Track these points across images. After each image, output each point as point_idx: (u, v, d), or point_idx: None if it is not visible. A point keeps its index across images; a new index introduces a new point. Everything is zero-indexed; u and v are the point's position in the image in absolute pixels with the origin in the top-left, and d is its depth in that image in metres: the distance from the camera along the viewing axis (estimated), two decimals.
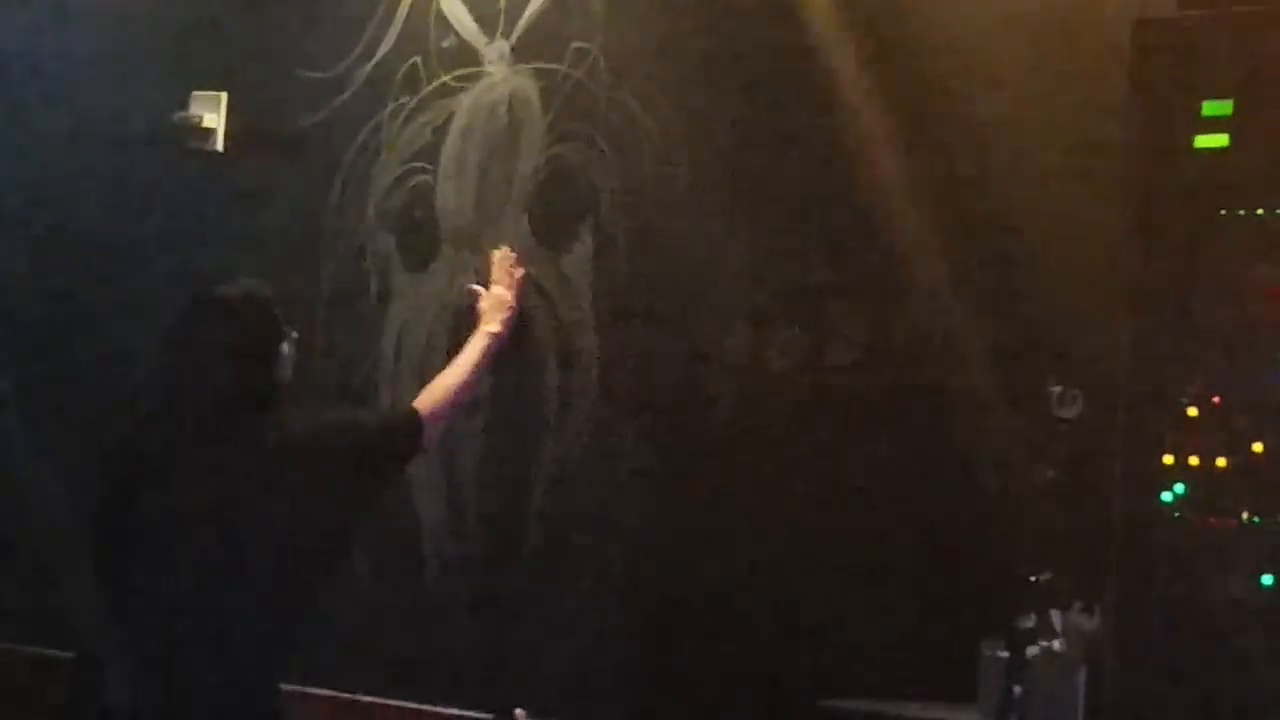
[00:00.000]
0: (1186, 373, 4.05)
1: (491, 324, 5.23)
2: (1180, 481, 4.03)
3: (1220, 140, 4.06)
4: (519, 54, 5.89)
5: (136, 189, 6.58)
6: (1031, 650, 4.29)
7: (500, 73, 5.92)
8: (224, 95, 6.46)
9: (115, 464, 4.62)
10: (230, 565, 4.38)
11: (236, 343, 4.52)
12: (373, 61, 6.16)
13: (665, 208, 5.55)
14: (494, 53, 5.94)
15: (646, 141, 5.59)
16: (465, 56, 6.00)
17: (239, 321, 4.55)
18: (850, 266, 5.24)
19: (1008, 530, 4.76)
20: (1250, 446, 3.98)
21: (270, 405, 4.52)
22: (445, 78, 6.03)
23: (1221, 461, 4.00)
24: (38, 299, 6.74)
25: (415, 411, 4.79)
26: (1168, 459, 4.04)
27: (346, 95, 6.20)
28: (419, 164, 6.05)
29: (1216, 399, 4.02)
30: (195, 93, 6.48)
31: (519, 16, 5.89)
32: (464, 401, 5.20)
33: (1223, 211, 4.05)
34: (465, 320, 5.72)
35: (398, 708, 5.78)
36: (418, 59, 6.08)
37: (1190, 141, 4.08)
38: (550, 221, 5.78)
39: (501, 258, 5.51)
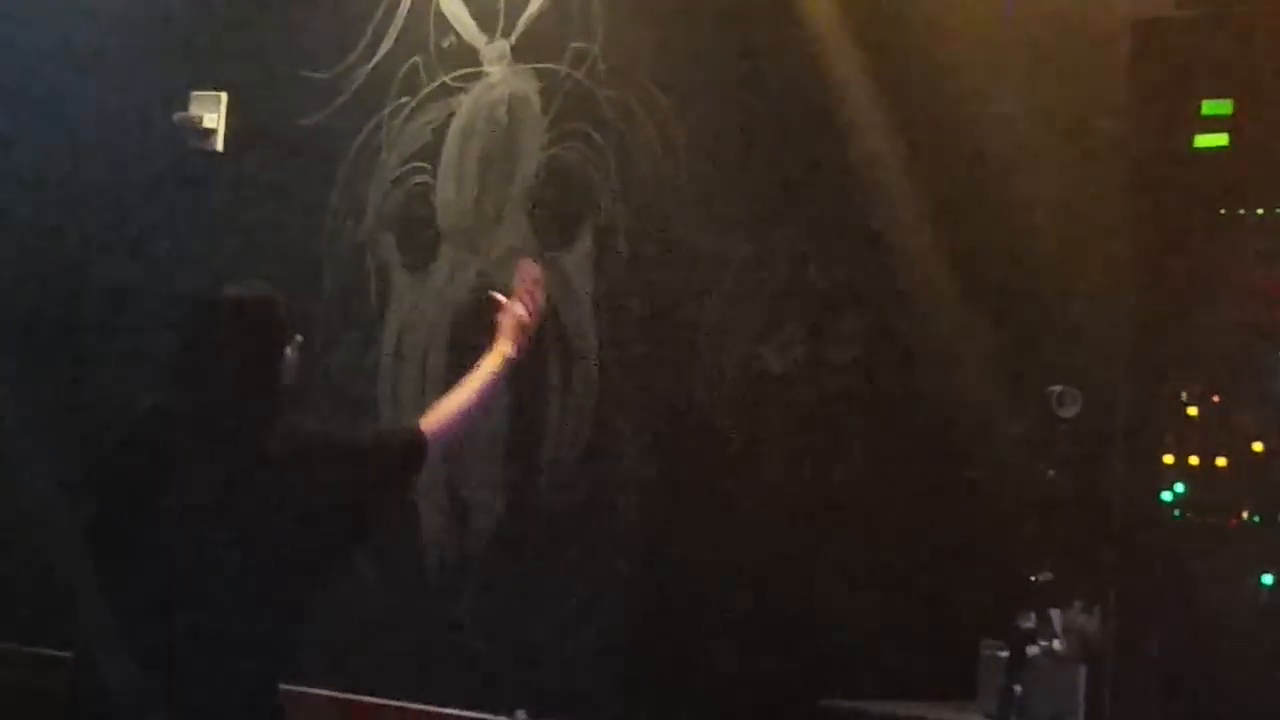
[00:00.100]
0: (1186, 372, 4.05)
1: (506, 346, 4.95)
2: (1180, 481, 4.03)
3: (1220, 139, 4.06)
4: (519, 54, 5.89)
5: (137, 188, 6.59)
6: (1032, 649, 4.29)
7: (500, 73, 5.93)
8: (224, 95, 6.47)
9: (116, 463, 4.61)
10: (229, 566, 4.37)
11: (240, 345, 4.50)
12: (373, 62, 6.16)
13: (665, 207, 5.55)
14: (494, 53, 5.94)
15: (646, 141, 5.59)
16: (465, 56, 6.00)
17: (244, 323, 4.53)
18: (851, 267, 5.23)
19: (1008, 530, 4.76)
20: (1250, 446, 3.98)
21: (272, 408, 4.51)
22: (445, 78, 6.03)
23: (1222, 461, 4.00)
24: (38, 297, 6.74)
25: (419, 432, 4.67)
26: (1168, 458, 4.04)
27: (346, 95, 6.21)
28: (419, 164, 6.05)
29: (1216, 398, 4.02)
30: (195, 93, 6.49)
31: (519, 17, 5.90)
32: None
33: (1222, 210, 4.05)
34: (481, 326, 5.71)
35: (398, 708, 5.78)
36: (418, 59, 6.08)
37: (1190, 141, 4.08)
38: (550, 221, 5.78)
39: (526, 272, 5.22)
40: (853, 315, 5.22)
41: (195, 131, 6.45)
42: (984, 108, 5.03)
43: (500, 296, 4.85)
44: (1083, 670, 4.26)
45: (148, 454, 4.51)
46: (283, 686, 4.52)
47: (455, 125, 5.99)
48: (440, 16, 6.04)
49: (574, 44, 5.76)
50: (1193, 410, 4.04)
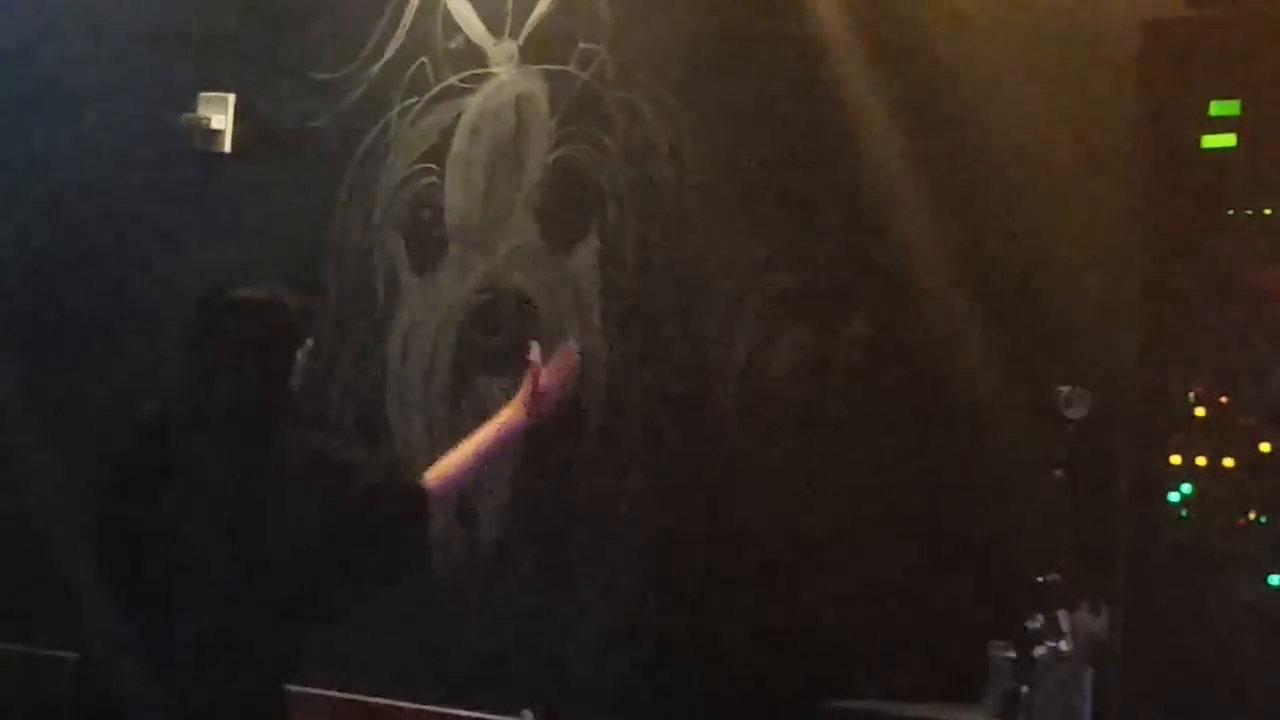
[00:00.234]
0: (1193, 373, 4.04)
1: (519, 410, 4.79)
2: (1187, 482, 4.03)
3: (1228, 140, 4.05)
4: (526, 55, 5.89)
5: (145, 190, 6.59)
6: (1039, 651, 4.28)
7: (508, 74, 5.93)
8: (232, 97, 6.47)
9: (124, 465, 4.61)
10: (235, 569, 4.37)
11: (250, 347, 4.50)
12: (380, 63, 6.16)
13: (672, 208, 5.55)
14: (501, 54, 5.94)
15: (654, 142, 5.59)
16: (473, 58, 6.00)
17: (254, 326, 4.52)
18: (857, 268, 5.23)
19: (1015, 530, 4.76)
20: (1257, 446, 3.97)
21: (281, 413, 4.51)
22: (453, 79, 6.03)
23: (1229, 462, 3.99)
24: (45, 298, 6.75)
25: (420, 486, 4.58)
26: (1175, 459, 4.04)
27: (354, 96, 6.21)
28: (427, 165, 6.06)
29: (1224, 399, 4.01)
30: (203, 94, 6.49)
31: (526, 17, 5.90)
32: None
33: (1230, 211, 4.04)
34: (488, 327, 5.75)
35: (404, 709, 5.78)
36: (425, 60, 6.09)
37: (1198, 141, 4.07)
38: (557, 222, 5.78)
39: (563, 356, 4.85)
40: (859, 317, 5.21)
41: (203, 133, 6.46)
42: (991, 109, 5.03)
43: (535, 352, 4.69)
44: (1090, 671, 4.26)
45: (155, 456, 4.51)
46: (288, 688, 4.52)
47: (463, 126, 5.99)
48: (448, 17, 6.04)
49: (582, 45, 5.77)
50: (1200, 411, 4.03)
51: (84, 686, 4.55)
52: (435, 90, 6.05)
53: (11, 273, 6.83)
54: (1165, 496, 4.03)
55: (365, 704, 5.83)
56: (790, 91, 5.38)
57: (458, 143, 6.00)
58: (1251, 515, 3.96)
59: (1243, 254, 4.02)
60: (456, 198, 5.99)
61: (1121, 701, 4.11)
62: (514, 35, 5.91)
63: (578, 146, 5.75)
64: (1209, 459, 4.01)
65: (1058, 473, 4.29)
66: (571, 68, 5.78)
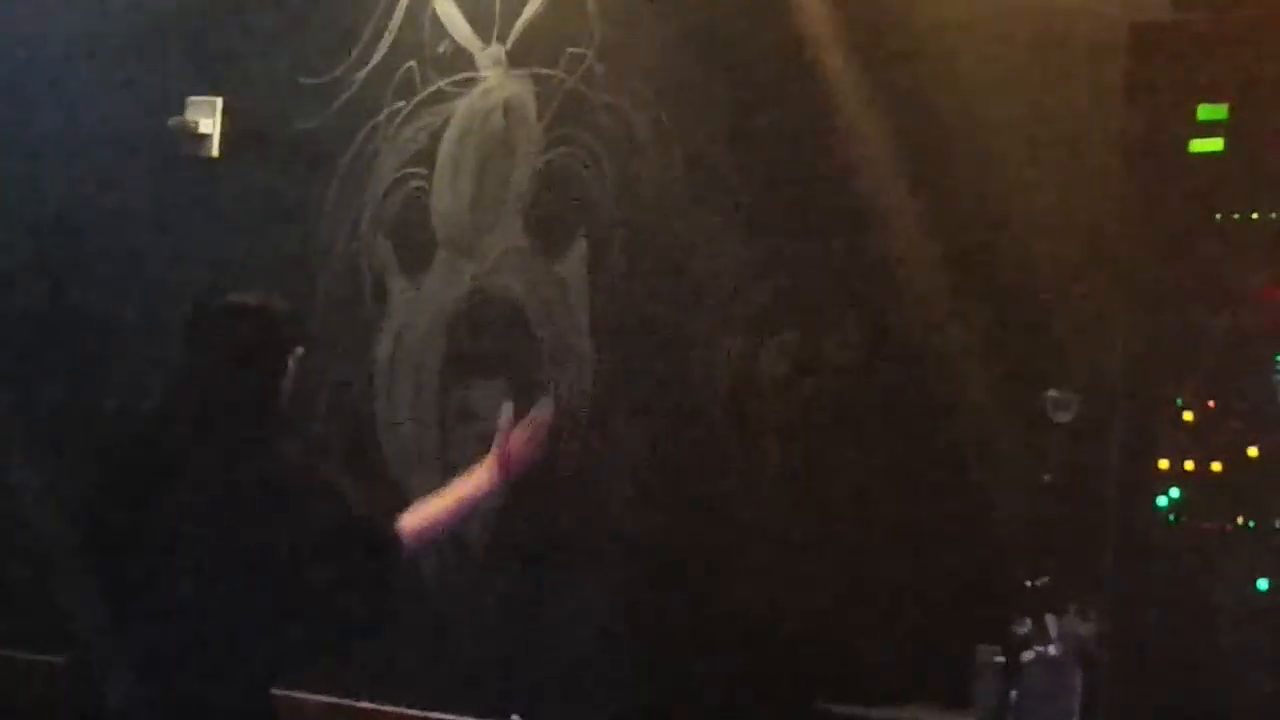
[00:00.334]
0: (1181, 377, 4.04)
1: (488, 473, 4.73)
2: (1175, 486, 4.02)
3: (1215, 144, 4.05)
4: (514, 59, 5.89)
5: (132, 194, 6.58)
6: (1027, 655, 4.30)
7: (495, 78, 5.92)
8: (219, 100, 6.46)
9: (114, 471, 4.60)
10: (225, 574, 4.37)
11: (240, 354, 4.50)
12: (368, 67, 6.16)
13: (661, 212, 5.55)
14: (489, 58, 5.93)
15: (642, 146, 5.59)
16: (460, 61, 5.99)
17: (245, 331, 4.52)
18: (847, 271, 5.23)
19: (1003, 534, 4.76)
20: (1245, 451, 3.97)
21: (272, 418, 4.50)
22: (440, 83, 6.03)
23: (1217, 466, 3.99)
24: (33, 303, 6.74)
25: (394, 530, 4.54)
26: (1163, 463, 4.03)
27: (342, 100, 6.20)
28: (414, 169, 6.05)
29: (1212, 403, 4.01)
30: (191, 98, 6.48)
31: (514, 22, 5.89)
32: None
33: (1218, 215, 4.04)
34: (476, 331, 5.75)
35: (394, 713, 5.77)
36: (413, 64, 6.08)
37: (1186, 145, 4.07)
38: (546, 226, 5.78)
39: (538, 414, 4.76)
40: (850, 320, 5.21)
41: (191, 137, 6.45)
42: (981, 112, 5.03)
43: (506, 415, 4.65)
44: (1078, 675, 4.26)
45: (148, 457, 4.51)
46: (277, 692, 4.51)
47: (451, 130, 5.99)
48: (435, 21, 6.03)
49: (570, 49, 5.76)
50: (1188, 415, 4.03)
51: (74, 691, 4.54)
52: (423, 94, 6.04)
53: None
54: (1153, 501, 4.03)
55: (353, 708, 5.83)
56: (779, 96, 5.38)
57: (446, 147, 5.99)
58: (1239, 519, 3.96)
59: (1231, 258, 4.02)
60: (444, 202, 5.99)
61: (1110, 706, 4.11)
62: (502, 39, 5.91)
63: (566, 150, 5.74)
64: (1197, 463, 4.01)
65: (1046, 477, 4.31)
66: (559, 72, 5.78)
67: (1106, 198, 4.46)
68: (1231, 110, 4.05)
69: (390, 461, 5.98)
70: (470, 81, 5.97)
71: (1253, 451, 3.97)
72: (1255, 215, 4.01)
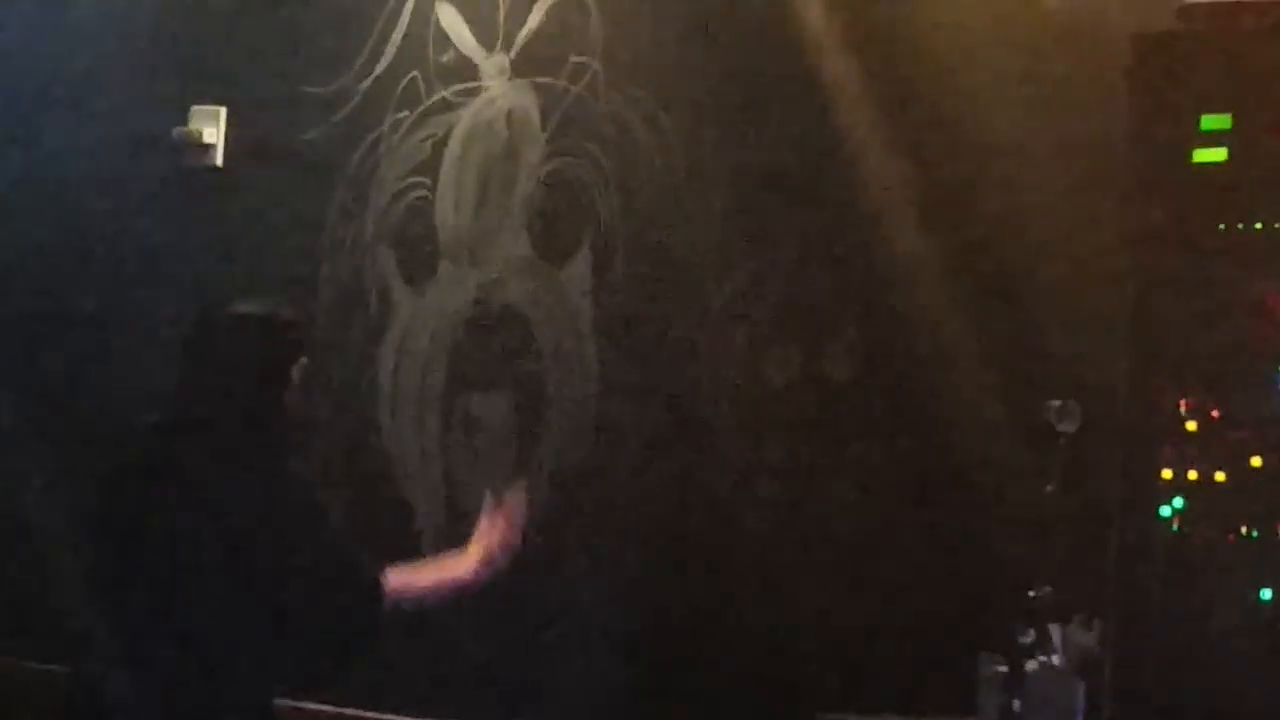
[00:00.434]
0: (1185, 387, 4.04)
1: (472, 561, 4.74)
2: (1179, 495, 4.02)
3: (1219, 154, 4.05)
4: (518, 68, 5.89)
5: (136, 203, 6.58)
6: (1030, 664, 4.28)
7: (499, 87, 5.92)
8: (223, 110, 6.47)
9: (118, 479, 4.60)
10: (225, 582, 4.37)
11: (244, 363, 4.49)
12: (372, 76, 6.16)
13: (664, 221, 5.55)
14: (493, 67, 5.94)
15: (645, 155, 5.59)
16: (464, 71, 6.00)
17: (249, 341, 4.52)
18: (850, 280, 5.23)
19: (1006, 544, 4.76)
20: (1249, 460, 3.97)
21: (274, 429, 4.50)
22: (444, 92, 6.03)
23: (1220, 476, 3.99)
24: (37, 311, 6.74)
25: (378, 579, 4.52)
26: (1166, 473, 4.03)
27: (346, 110, 6.20)
28: (418, 179, 6.05)
29: (1215, 413, 4.01)
30: (195, 107, 6.49)
31: (518, 31, 5.89)
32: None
33: (1221, 225, 4.04)
34: (479, 341, 5.75)
35: None
36: (417, 74, 6.08)
37: (1189, 155, 4.07)
38: (549, 235, 5.78)
39: (511, 505, 4.74)
40: (852, 330, 5.22)
41: (195, 146, 6.45)
42: (983, 121, 5.03)
43: (487, 505, 4.66)
44: (1081, 685, 4.25)
45: (150, 465, 4.51)
46: (278, 702, 4.51)
47: (454, 139, 5.99)
48: (439, 31, 6.04)
49: (574, 58, 5.76)
50: (1191, 425, 4.03)
51: (75, 701, 4.54)
52: (427, 104, 6.05)
53: (3, 285, 6.82)
54: (1156, 510, 4.03)
55: (356, 718, 5.82)
56: (783, 104, 5.38)
57: (449, 156, 5.99)
58: (1243, 529, 3.96)
59: (1234, 268, 4.02)
60: (448, 211, 5.99)
61: (1113, 715, 4.10)
62: (506, 49, 5.91)
63: (569, 159, 5.75)
64: (1200, 473, 4.01)
65: (1049, 487, 4.30)
66: (563, 81, 5.78)
67: (1110, 208, 4.45)
68: (1234, 120, 4.05)
69: (393, 471, 5.98)
70: (474, 91, 5.97)
71: (1256, 461, 3.97)
72: (1259, 225, 4.02)
